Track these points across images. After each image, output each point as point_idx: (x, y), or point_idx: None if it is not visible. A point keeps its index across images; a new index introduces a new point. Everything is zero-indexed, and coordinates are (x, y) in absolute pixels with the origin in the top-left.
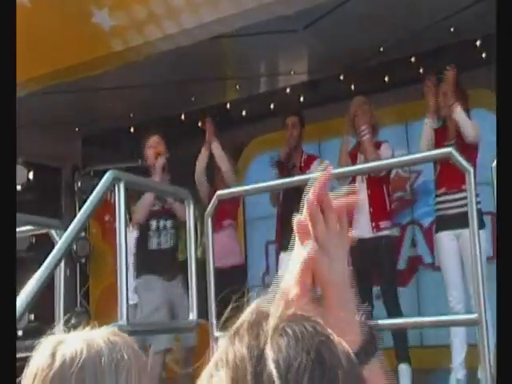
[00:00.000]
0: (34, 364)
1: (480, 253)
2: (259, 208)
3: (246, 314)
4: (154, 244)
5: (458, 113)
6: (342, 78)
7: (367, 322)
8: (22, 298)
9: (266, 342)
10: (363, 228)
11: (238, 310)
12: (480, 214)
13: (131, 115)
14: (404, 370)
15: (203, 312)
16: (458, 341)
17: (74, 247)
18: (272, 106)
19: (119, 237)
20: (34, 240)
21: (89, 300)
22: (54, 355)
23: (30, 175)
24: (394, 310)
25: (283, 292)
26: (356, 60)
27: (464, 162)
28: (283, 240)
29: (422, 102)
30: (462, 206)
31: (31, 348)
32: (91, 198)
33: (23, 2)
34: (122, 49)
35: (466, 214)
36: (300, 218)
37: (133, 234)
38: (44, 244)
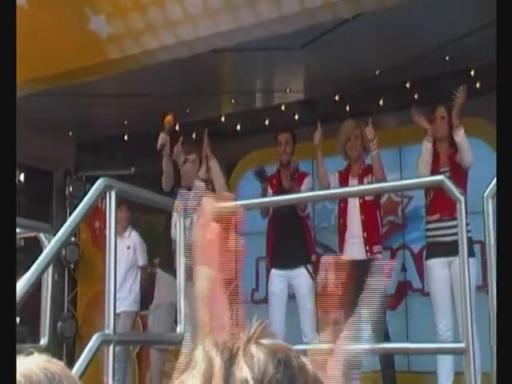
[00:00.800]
0: None
1: (469, 281)
2: (250, 223)
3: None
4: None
5: (462, 135)
6: (337, 98)
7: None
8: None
9: (239, 348)
10: (357, 252)
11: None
12: (470, 242)
13: (126, 123)
14: None
15: None
16: (445, 368)
17: (64, 252)
18: (267, 122)
19: (109, 244)
20: (22, 243)
21: (76, 306)
22: None
23: (21, 177)
24: (380, 335)
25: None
26: (352, 82)
27: (455, 191)
28: (274, 256)
29: (415, 127)
30: (453, 234)
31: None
32: (82, 203)
33: (21, 4)
34: (119, 57)
35: (457, 242)
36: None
37: (123, 242)
38: (33, 247)
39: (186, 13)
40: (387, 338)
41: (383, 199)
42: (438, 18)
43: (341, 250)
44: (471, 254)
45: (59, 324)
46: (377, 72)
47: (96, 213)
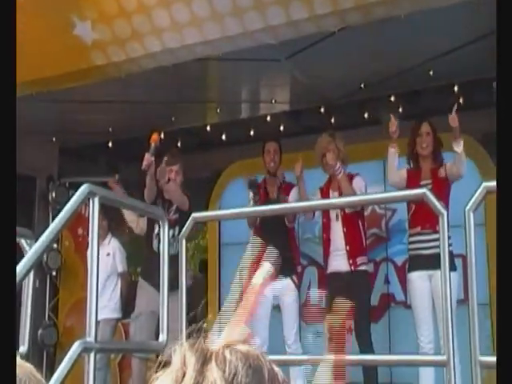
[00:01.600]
0: None
1: (450, 295)
2: (235, 233)
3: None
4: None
5: (461, 146)
6: (322, 110)
7: None
8: None
9: (213, 351)
10: (340, 265)
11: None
12: (452, 256)
13: (110, 130)
14: None
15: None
16: (427, 381)
17: (45, 259)
18: (252, 133)
19: (91, 251)
20: None
21: (57, 313)
22: None
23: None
24: (366, 346)
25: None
26: (337, 94)
27: (438, 204)
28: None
29: (399, 141)
30: (435, 247)
31: None
32: (65, 210)
33: None
34: (104, 63)
35: (439, 255)
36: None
37: (103, 250)
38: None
39: (172, 20)
40: (370, 350)
41: (367, 212)
42: (423, 33)
43: (325, 262)
44: (452, 267)
45: (40, 331)
46: (362, 85)
47: (79, 220)
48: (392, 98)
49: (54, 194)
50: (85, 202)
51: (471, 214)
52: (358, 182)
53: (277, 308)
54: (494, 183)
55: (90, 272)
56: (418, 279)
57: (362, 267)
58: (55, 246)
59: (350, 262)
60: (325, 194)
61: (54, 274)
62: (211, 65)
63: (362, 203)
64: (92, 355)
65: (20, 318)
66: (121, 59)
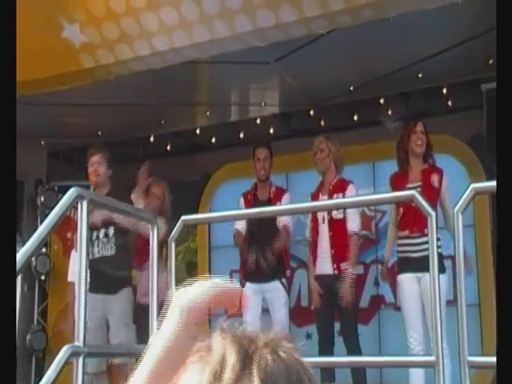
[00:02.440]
0: None
1: (439, 296)
2: (224, 236)
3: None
4: (95, 253)
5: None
6: (311, 113)
7: None
8: None
9: (255, 350)
10: (325, 268)
11: None
12: (440, 258)
13: (99, 133)
14: None
15: None
16: (417, 382)
17: (34, 263)
18: (241, 135)
19: (80, 255)
20: None
21: (46, 318)
22: None
23: None
24: (353, 348)
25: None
26: (326, 96)
27: (426, 206)
28: (246, 271)
29: (389, 143)
30: (424, 250)
31: None
32: (53, 213)
33: None
34: (93, 66)
35: (427, 257)
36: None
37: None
38: None
39: (160, 23)
40: (358, 353)
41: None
42: (412, 35)
43: (312, 265)
44: (441, 269)
45: (28, 336)
46: (351, 87)
47: (67, 223)
48: (381, 100)
49: (42, 198)
50: (73, 205)
51: (459, 216)
52: (351, 190)
53: (266, 311)
54: (482, 184)
55: (79, 276)
56: (407, 282)
57: (347, 272)
58: (44, 250)
59: (334, 266)
60: (315, 198)
61: (42, 278)
62: (200, 68)
63: (352, 205)
64: (81, 360)
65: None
66: (110, 62)
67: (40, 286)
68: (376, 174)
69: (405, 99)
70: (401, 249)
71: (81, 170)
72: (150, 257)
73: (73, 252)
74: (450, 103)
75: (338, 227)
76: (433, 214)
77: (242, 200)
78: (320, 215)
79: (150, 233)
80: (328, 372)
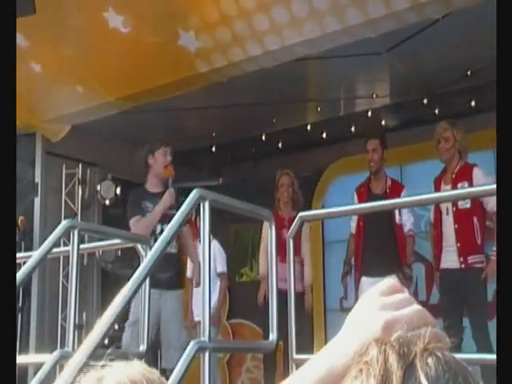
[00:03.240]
0: None
1: None
2: (338, 231)
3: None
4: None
5: None
6: (425, 101)
7: None
8: (111, 310)
9: (415, 357)
10: (451, 262)
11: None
12: None
13: (213, 135)
14: None
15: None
16: None
17: None
18: (353, 129)
19: (203, 253)
20: (119, 253)
21: None
22: None
23: (118, 191)
24: (484, 345)
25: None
26: (441, 83)
27: None
28: (363, 265)
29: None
30: None
31: (113, 354)
32: (178, 214)
33: (117, 27)
34: (207, 70)
35: None
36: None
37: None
38: (131, 257)
39: (271, 23)
40: (490, 350)
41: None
42: None
43: (436, 259)
44: None
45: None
46: (468, 72)
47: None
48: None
49: None
50: (195, 206)
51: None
52: (477, 175)
53: None
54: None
55: (203, 272)
56: None
57: (475, 265)
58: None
59: (461, 259)
60: (437, 185)
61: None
62: (311, 64)
63: (468, 196)
64: (207, 354)
65: (140, 320)
66: (223, 64)
67: None
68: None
69: None
70: None
71: (197, 171)
72: (268, 255)
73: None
74: None
75: (464, 218)
76: None
77: (355, 195)
78: (444, 206)
79: (268, 231)
80: None
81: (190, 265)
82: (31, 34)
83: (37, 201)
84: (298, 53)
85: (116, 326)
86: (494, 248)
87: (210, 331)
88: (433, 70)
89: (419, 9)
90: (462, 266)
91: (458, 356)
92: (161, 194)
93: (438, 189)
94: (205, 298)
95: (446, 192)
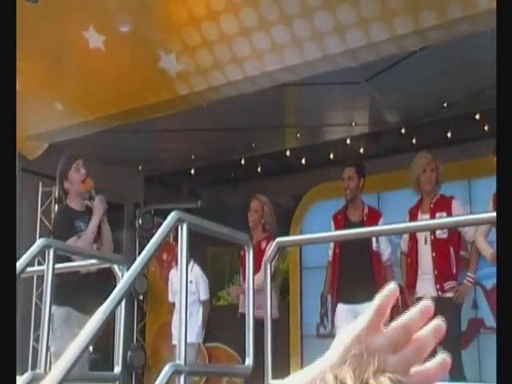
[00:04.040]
0: None
1: None
2: (316, 257)
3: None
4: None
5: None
6: (403, 131)
7: None
8: (87, 332)
9: (369, 378)
10: (427, 290)
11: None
12: None
13: (193, 157)
14: None
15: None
16: None
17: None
18: (332, 156)
19: (181, 277)
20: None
21: (145, 337)
22: None
23: None
24: (457, 375)
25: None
26: (418, 114)
27: None
28: (340, 292)
29: (485, 159)
30: None
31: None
32: (156, 236)
33: (97, 46)
34: (187, 93)
35: None
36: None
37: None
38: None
39: (252, 48)
40: (462, 378)
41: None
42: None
43: (409, 286)
44: None
45: (129, 354)
46: (445, 104)
47: (164, 246)
48: (477, 116)
49: (140, 221)
50: (173, 228)
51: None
52: (455, 207)
53: None
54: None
55: (180, 297)
56: None
57: (450, 292)
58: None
59: (438, 286)
60: (413, 214)
61: (141, 298)
62: (291, 90)
63: (447, 226)
64: (182, 378)
65: (114, 342)
66: (203, 88)
67: (138, 305)
68: (472, 192)
69: None
70: None
71: (175, 193)
72: (247, 278)
73: (172, 272)
74: None
75: (441, 248)
76: None
77: (332, 222)
78: (421, 235)
79: (246, 254)
80: None
81: (170, 288)
82: None
83: None
84: (278, 79)
85: (91, 348)
86: (469, 274)
87: (185, 355)
88: (410, 100)
89: (397, 41)
90: (439, 292)
91: None
92: (89, 210)
93: (413, 218)
94: (181, 322)
95: (429, 221)
